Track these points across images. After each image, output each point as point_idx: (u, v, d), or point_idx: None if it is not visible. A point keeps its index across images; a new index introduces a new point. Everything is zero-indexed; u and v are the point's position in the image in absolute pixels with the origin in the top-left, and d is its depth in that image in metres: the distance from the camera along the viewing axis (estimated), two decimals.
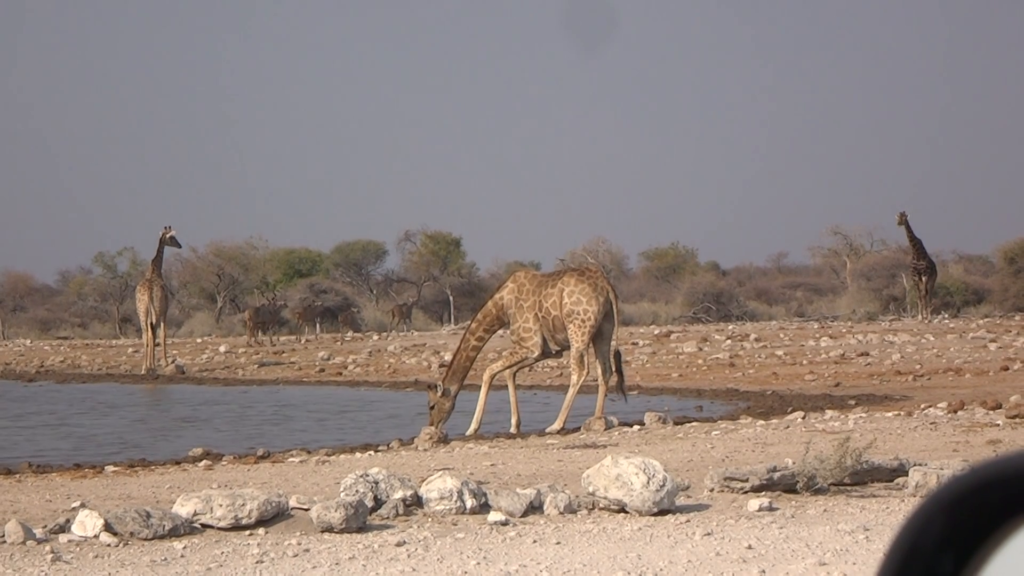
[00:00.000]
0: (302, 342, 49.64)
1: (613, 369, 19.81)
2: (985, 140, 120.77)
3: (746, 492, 11.50)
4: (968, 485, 2.10)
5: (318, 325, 55.71)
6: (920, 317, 49.43)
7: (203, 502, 10.14)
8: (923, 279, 48.76)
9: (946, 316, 54.20)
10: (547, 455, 15.15)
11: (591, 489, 10.90)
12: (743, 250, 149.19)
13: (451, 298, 66.14)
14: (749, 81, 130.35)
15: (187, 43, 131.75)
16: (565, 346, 19.79)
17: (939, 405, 19.58)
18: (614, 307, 19.63)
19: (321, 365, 37.53)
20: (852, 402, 22.02)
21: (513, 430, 19.11)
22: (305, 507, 10.44)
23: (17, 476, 14.44)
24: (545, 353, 19.97)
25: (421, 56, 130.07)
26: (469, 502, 10.75)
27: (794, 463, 12.00)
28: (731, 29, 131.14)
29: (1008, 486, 2.07)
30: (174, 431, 22.29)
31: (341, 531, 10.01)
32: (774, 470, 11.66)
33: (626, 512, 10.76)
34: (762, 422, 18.55)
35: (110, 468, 15.02)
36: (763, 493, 11.44)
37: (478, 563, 9.05)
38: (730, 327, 50.48)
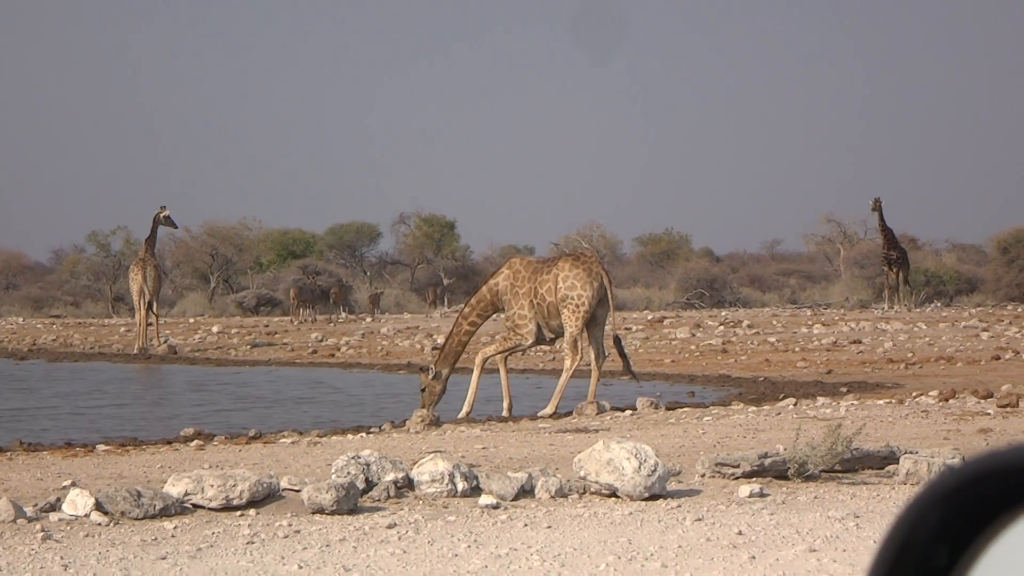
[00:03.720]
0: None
1: (608, 354, 19.80)
2: (980, 129, 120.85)
3: (737, 478, 11.51)
4: (964, 477, 2.10)
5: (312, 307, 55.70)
6: (887, 307, 49.01)
7: (194, 482, 10.14)
8: (894, 269, 48.60)
9: (938, 304, 54.21)
10: (539, 439, 15.15)
11: (582, 473, 10.90)
12: (737, 237, 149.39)
13: (444, 281, 66.10)
14: (744, 69, 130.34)
15: (180, 23, 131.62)
16: (559, 333, 19.77)
17: (930, 393, 19.58)
18: (608, 292, 19.61)
19: (314, 347, 37.41)
20: (844, 389, 22.01)
21: (505, 413, 19.12)
22: (296, 488, 10.44)
23: (8, 454, 14.41)
24: (539, 340, 19.95)
25: (415, 39, 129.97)
26: (460, 485, 10.75)
27: (785, 449, 12.00)
28: (726, 19, 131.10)
29: (1004, 479, 2.07)
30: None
31: (332, 513, 10.01)
32: (765, 456, 11.66)
33: (617, 497, 10.77)
34: (754, 408, 18.56)
35: (101, 447, 15.00)
36: (754, 479, 11.44)
37: (468, 546, 9.05)
38: (723, 313, 50.50)
